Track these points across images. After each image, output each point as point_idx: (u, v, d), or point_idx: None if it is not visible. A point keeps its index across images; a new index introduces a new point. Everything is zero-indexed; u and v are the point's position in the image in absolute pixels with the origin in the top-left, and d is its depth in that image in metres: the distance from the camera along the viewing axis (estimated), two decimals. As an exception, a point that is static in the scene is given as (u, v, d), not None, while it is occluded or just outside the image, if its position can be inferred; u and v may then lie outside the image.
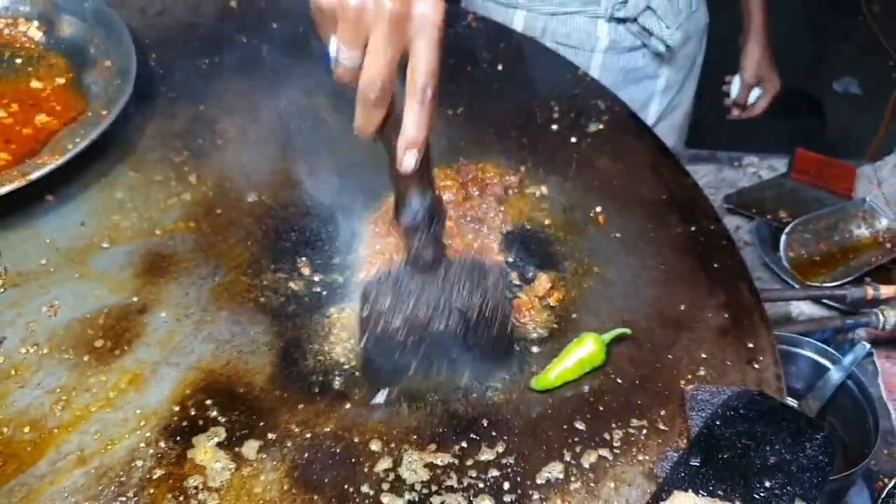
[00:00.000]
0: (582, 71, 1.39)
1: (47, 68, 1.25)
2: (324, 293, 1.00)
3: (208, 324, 0.96)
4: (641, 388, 0.92)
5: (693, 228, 1.12)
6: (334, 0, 0.72)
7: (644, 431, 0.88)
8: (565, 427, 0.88)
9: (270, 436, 0.85)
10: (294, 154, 1.17)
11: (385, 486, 0.81)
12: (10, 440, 0.83)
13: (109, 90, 1.17)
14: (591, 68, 1.79)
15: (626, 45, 1.78)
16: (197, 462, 0.82)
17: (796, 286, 1.59)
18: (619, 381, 0.93)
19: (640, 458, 0.85)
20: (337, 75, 0.76)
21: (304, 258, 1.04)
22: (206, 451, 0.83)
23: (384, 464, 0.83)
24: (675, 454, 0.85)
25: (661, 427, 0.88)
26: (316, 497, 0.80)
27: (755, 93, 2.09)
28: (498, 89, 1.34)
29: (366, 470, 0.83)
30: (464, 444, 0.86)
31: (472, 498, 0.81)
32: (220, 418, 0.86)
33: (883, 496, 1.20)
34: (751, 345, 0.97)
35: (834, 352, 1.41)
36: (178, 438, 0.84)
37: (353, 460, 0.84)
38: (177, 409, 0.87)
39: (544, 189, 1.16)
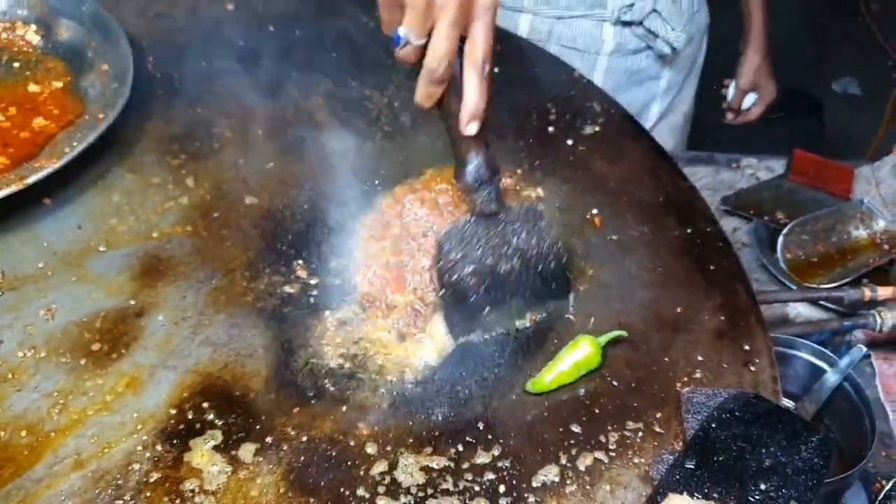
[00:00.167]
0: (578, 73, 1.39)
1: (45, 72, 1.25)
2: (320, 296, 1.00)
3: (205, 327, 0.96)
4: (637, 391, 0.93)
5: (689, 230, 1.12)
6: None
7: (640, 434, 0.88)
8: (561, 430, 0.88)
9: (267, 439, 0.85)
10: (291, 157, 1.18)
11: (381, 490, 0.82)
12: (7, 444, 0.83)
13: (107, 94, 1.17)
14: (596, 71, 1.79)
15: (631, 48, 1.78)
16: (193, 465, 0.82)
17: (794, 288, 1.59)
18: (615, 383, 0.93)
19: (636, 460, 0.86)
20: (402, 56, 0.86)
21: (300, 261, 1.04)
22: (203, 454, 0.83)
23: (380, 467, 0.84)
24: (671, 457, 0.85)
25: (657, 429, 0.88)
26: (312, 500, 0.80)
27: (750, 98, 2.10)
28: (494, 91, 1.33)
29: (361, 473, 0.83)
30: (459, 448, 0.86)
31: (467, 501, 0.81)
32: (216, 421, 0.86)
33: (880, 498, 1.20)
34: (747, 347, 0.98)
35: (831, 354, 1.41)
36: (175, 442, 0.84)
37: (349, 463, 0.84)
38: (174, 412, 0.87)
39: (540, 191, 1.16)
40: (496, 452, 0.86)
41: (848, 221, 1.70)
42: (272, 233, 1.07)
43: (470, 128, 0.89)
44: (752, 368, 0.95)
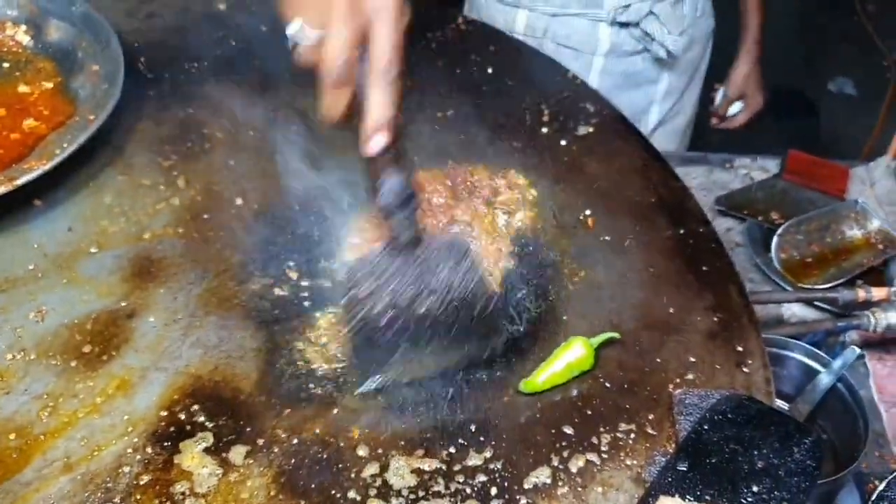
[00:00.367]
0: (572, 74, 1.39)
1: (35, 73, 1.24)
2: (311, 298, 1.00)
3: (196, 329, 0.95)
4: (630, 392, 0.92)
5: (682, 231, 1.12)
6: None
7: (632, 435, 0.88)
8: (553, 431, 0.88)
9: (257, 441, 0.85)
10: (282, 158, 1.17)
11: (372, 492, 0.81)
12: (-4, 447, 0.83)
13: (97, 94, 1.17)
14: (592, 71, 1.79)
15: (627, 49, 1.78)
16: (184, 468, 0.82)
17: (788, 288, 1.59)
18: (608, 384, 0.93)
19: (628, 462, 0.85)
20: (298, 56, 0.79)
21: (291, 263, 1.03)
22: (194, 456, 0.83)
23: (371, 469, 0.83)
24: (663, 458, 0.85)
25: (650, 431, 0.88)
26: (303, 502, 0.80)
27: (736, 106, 2.11)
28: (487, 92, 1.34)
29: (353, 475, 0.83)
30: (451, 450, 0.85)
31: (459, 503, 0.81)
32: (207, 423, 0.86)
33: (873, 498, 1.20)
34: (740, 348, 0.97)
35: (824, 355, 1.41)
36: (166, 444, 0.84)
37: (340, 466, 0.83)
38: (164, 414, 0.87)
39: (534, 192, 1.15)
40: (488, 454, 0.85)
41: (842, 221, 1.70)
42: (263, 234, 1.07)
43: (375, 141, 0.78)
44: (745, 369, 0.95)
